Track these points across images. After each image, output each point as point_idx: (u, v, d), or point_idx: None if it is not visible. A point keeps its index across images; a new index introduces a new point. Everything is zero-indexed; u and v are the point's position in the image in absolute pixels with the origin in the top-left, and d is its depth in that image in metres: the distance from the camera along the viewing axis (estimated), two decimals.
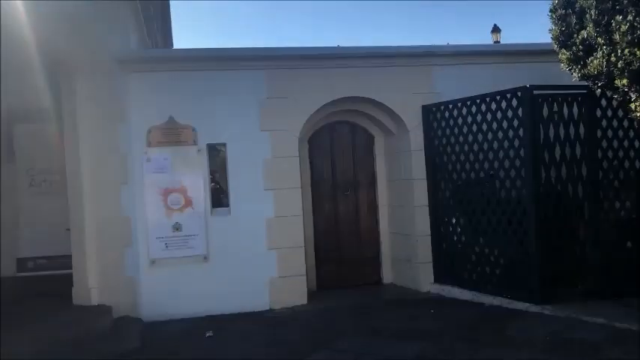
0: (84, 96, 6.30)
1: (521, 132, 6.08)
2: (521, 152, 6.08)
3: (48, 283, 7.90)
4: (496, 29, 20.03)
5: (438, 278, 7.16)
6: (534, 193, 5.95)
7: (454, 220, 6.99)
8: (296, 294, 6.92)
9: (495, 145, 6.39)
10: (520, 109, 6.07)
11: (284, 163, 6.96)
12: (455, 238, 6.99)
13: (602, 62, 5.40)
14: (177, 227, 6.69)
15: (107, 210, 6.37)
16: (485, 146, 6.51)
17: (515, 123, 6.14)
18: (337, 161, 7.79)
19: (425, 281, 7.23)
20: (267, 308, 6.82)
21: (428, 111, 7.19)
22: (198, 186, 6.75)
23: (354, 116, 7.73)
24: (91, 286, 6.25)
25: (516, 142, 6.15)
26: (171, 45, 10.32)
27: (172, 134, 6.69)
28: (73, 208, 6.38)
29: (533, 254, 5.98)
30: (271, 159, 6.94)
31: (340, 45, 7.23)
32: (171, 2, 10.10)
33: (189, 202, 6.73)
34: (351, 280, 7.74)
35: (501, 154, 6.32)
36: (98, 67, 6.35)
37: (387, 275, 7.86)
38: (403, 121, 7.22)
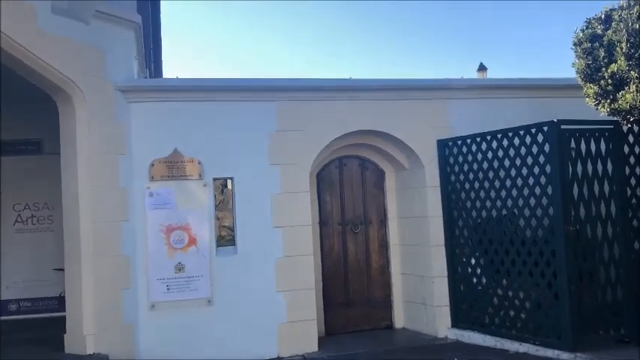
0: (83, 126, 5.84)
1: (547, 168, 5.80)
2: (549, 189, 5.78)
3: (33, 329, 7.30)
4: (482, 68, 20.12)
5: (456, 323, 6.75)
6: (564, 233, 5.63)
7: (473, 261, 6.63)
8: (306, 340, 6.45)
9: (519, 181, 6.09)
10: (547, 145, 5.80)
11: (294, 199, 6.58)
12: (474, 279, 6.62)
13: (637, 96, 5.19)
14: (179, 268, 6.22)
15: (105, 249, 5.86)
16: (508, 183, 6.21)
17: (542, 159, 5.86)
18: (346, 197, 7.42)
19: (441, 326, 6.81)
20: (276, 356, 6.33)
21: (444, 145, 6.90)
22: (203, 223, 6.31)
23: (364, 150, 7.42)
24: (87, 332, 5.68)
25: (542, 179, 5.85)
26: (161, 75, 9.93)
27: (177, 167, 6.27)
28: (68, 246, 5.87)
29: (564, 297, 5.63)
30: (280, 194, 6.55)
31: (352, 77, 6.96)
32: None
33: (193, 241, 6.28)
34: (361, 325, 7.29)
35: (526, 191, 6.02)
36: (99, 94, 5.93)
37: (399, 319, 7.42)
38: (418, 155, 6.92)
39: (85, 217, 5.77)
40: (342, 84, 6.78)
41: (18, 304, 7.97)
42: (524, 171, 6.04)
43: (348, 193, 7.43)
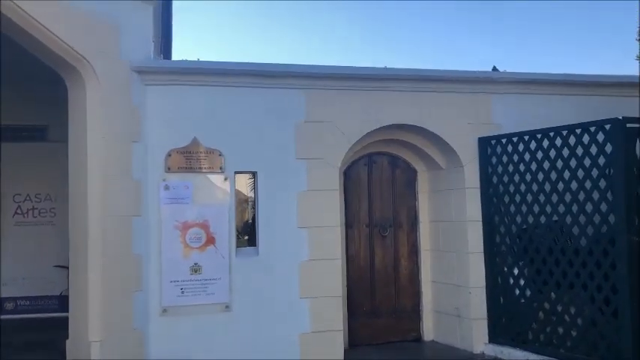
0: (94, 109, 5.27)
1: (609, 171, 5.23)
2: (609, 195, 5.21)
3: (31, 330, 6.72)
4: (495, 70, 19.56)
5: (494, 337, 6.17)
6: (628, 244, 5.06)
7: (516, 270, 6.05)
8: (331, 352, 5.87)
9: (574, 185, 5.52)
10: (608, 145, 5.23)
11: (322, 197, 6.00)
12: (517, 291, 6.04)
13: None
14: (195, 269, 5.63)
15: (115, 246, 5.28)
16: (560, 186, 5.63)
17: (602, 160, 5.29)
18: (375, 198, 6.84)
19: (478, 340, 6.22)
20: None
21: (486, 143, 6.32)
22: (222, 220, 5.73)
23: (395, 147, 6.84)
24: (92, 339, 5.10)
25: (602, 183, 5.28)
26: (170, 58, 9.20)
27: (196, 159, 5.69)
28: (74, 242, 5.29)
29: (625, 315, 5.05)
30: (307, 192, 5.98)
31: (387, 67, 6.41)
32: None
33: (211, 240, 5.69)
34: (387, 336, 6.71)
35: (582, 195, 5.44)
36: (113, 75, 5.36)
37: (428, 331, 6.84)
38: (457, 154, 6.34)
39: (94, 210, 5.19)
40: (378, 73, 6.20)
41: (15, 302, 7.39)
42: (580, 174, 5.46)
43: (376, 193, 6.85)
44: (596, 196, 5.34)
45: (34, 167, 7.51)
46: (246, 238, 5.96)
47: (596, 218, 5.33)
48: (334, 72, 6.08)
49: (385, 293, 6.78)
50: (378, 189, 6.86)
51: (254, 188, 5.99)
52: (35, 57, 5.41)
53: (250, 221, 6.03)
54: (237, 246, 5.84)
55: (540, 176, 5.81)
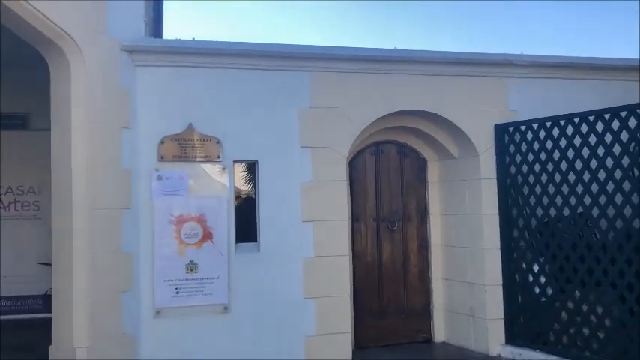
0: (80, 91, 4.77)
1: None
2: None
3: (13, 332, 6.24)
4: None
5: (512, 339, 5.76)
6: None
7: (536, 267, 5.64)
8: (338, 355, 5.43)
9: (602, 175, 5.10)
10: None
11: (328, 188, 5.56)
12: (537, 289, 5.63)
13: None
14: (191, 267, 5.18)
15: (103, 242, 4.80)
16: (586, 176, 5.21)
17: (633, 147, 4.88)
18: (383, 189, 6.40)
19: (493, 342, 5.81)
20: None
21: (503, 131, 5.89)
22: (220, 214, 5.27)
23: (404, 135, 6.40)
24: (77, 344, 4.62)
25: (636, 173, 4.87)
26: (161, 36, 8.58)
27: (191, 147, 5.23)
28: (57, 238, 4.80)
29: None
30: (312, 183, 5.53)
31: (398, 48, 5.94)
32: None
33: (208, 235, 5.24)
34: (395, 337, 6.28)
35: (610, 186, 5.03)
36: (100, 54, 4.87)
37: (439, 331, 6.41)
38: (472, 142, 5.91)
39: (79, 203, 4.69)
40: (387, 55, 5.73)
41: None
42: (609, 162, 5.05)
43: (384, 185, 6.41)
44: (627, 186, 4.93)
45: (16, 158, 7.00)
46: (246, 233, 5.48)
47: (627, 211, 4.92)
48: (340, 53, 5.62)
49: (393, 291, 6.36)
50: (386, 180, 6.42)
51: (254, 179, 5.54)
52: (16, 37, 4.90)
53: (250, 215, 5.56)
54: (237, 242, 5.38)
55: (564, 166, 5.39)
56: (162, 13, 7.92)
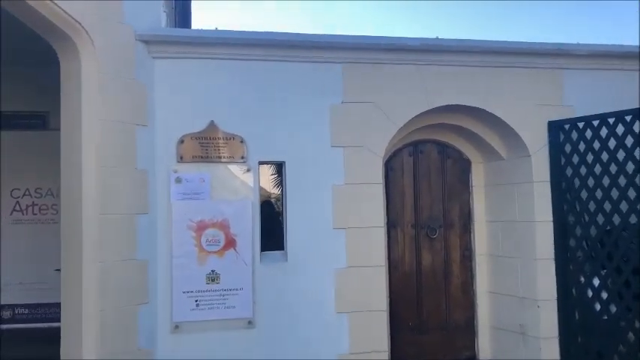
0: (91, 86, 4.37)
1: None
2: None
3: (29, 343, 5.91)
4: None
5: (568, 359, 5.16)
6: None
7: (597, 281, 5.02)
8: None
9: None
10: None
11: (362, 191, 5.06)
12: (597, 306, 5.01)
13: None
14: (213, 277, 4.73)
15: (116, 250, 4.39)
16: None
17: None
18: (422, 193, 5.85)
19: None
20: None
21: (558, 128, 5.29)
22: (245, 219, 4.81)
23: (445, 133, 5.85)
24: None
25: None
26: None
27: (213, 146, 4.79)
28: (66, 245, 4.40)
29: None
30: (344, 186, 5.04)
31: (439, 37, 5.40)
32: None
33: (231, 242, 4.78)
34: (436, 355, 5.75)
35: None
36: (114, 44, 4.47)
37: (484, 350, 5.83)
38: (522, 140, 5.32)
39: (90, 207, 4.28)
40: (429, 44, 5.19)
41: (12, 310, 6.57)
42: None
43: (424, 188, 5.86)
44: None
45: (35, 159, 6.67)
46: (273, 240, 5.01)
47: None
48: (376, 42, 5.10)
49: (434, 305, 5.81)
50: (426, 183, 5.87)
51: (281, 181, 5.06)
52: (33, 33, 4.54)
53: (277, 221, 5.09)
54: (262, 250, 4.92)
55: (630, 167, 4.77)
56: (190, 7, 7.55)
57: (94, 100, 4.36)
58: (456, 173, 5.95)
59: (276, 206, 5.29)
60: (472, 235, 5.91)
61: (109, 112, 4.42)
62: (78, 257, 4.27)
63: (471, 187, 5.95)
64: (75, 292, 4.30)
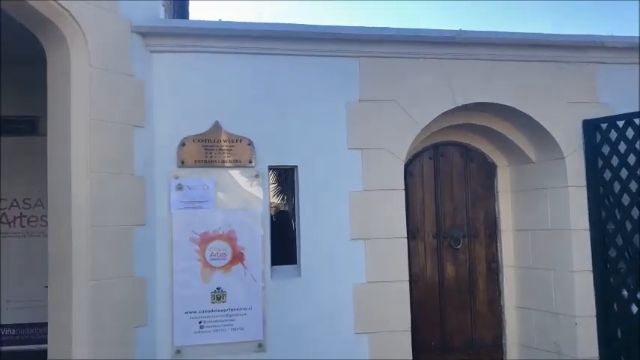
0: (82, 82, 3.91)
1: None
2: None
3: None
4: None
5: None
6: None
7: None
8: None
9: None
10: None
11: (382, 199, 4.60)
12: None
13: None
14: (218, 296, 4.25)
15: (110, 266, 3.91)
16: None
17: None
18: (444, 200, 5.40)
19: None
20: None
21: (594, 128, 4.85)
22: (253, 231, 4.34)
23: (468, 135, 5.42)
24: None
25: None
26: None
27: (218, 149, 4.32)
28: (54, 261, 3.92)
29: None
30: (362, 192, 4.58)
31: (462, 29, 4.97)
32: None
33: (238, 256, 4.31)
34: None
35: None
36: (108, 37, 4.01)
37: None
38: (555, 141, 4.87)
39: (80, 218, 3.81)
40: (452, 36, 4.75)
41: None
42: None
43: (445, 195, 5.41)
44: None
45: (23, 166, 6.19)
46: (284, 253, 4.54)
47: None
48: (396, 34, 4.66)
49: (458, 322, 5.34)
50: (448, 189, 5.42)
51: (293, 188, 4.60)
52: (22, 28, 4.09)
53: (289, 232, 4.62)
54: (273, 264, 4.44)
55: None
56: (188, 4, 7.12)
57: (85, 97, 3.90)
58: (480, 178, 5.49)
59: (287, 216, 4.81)
60: (499, 245, 5.45)
61: (102, 112, 3.95)
62: (67, 275, 3.79)
63: (497, 192, 5.50)
64: (63, 316, 3.81)
